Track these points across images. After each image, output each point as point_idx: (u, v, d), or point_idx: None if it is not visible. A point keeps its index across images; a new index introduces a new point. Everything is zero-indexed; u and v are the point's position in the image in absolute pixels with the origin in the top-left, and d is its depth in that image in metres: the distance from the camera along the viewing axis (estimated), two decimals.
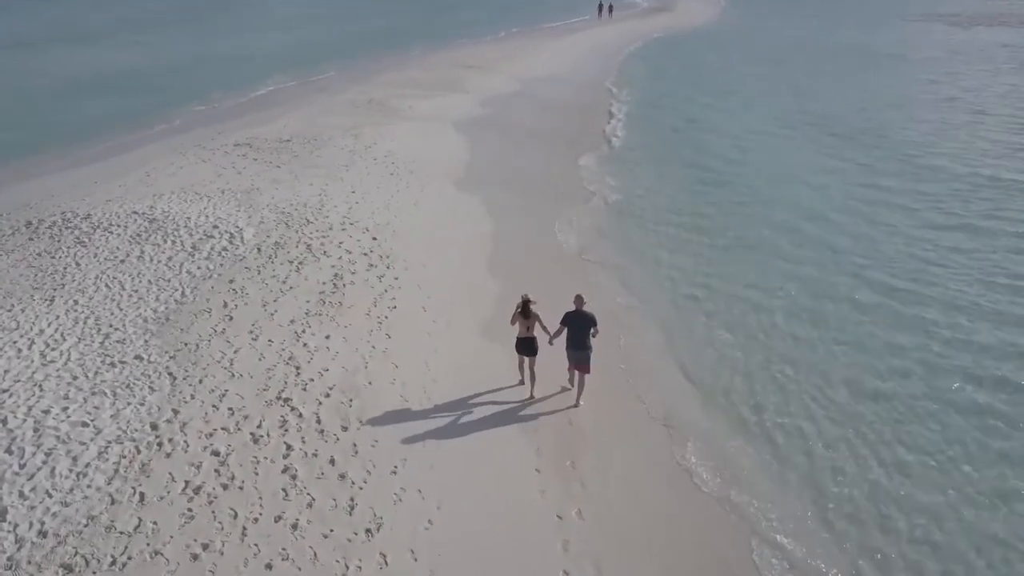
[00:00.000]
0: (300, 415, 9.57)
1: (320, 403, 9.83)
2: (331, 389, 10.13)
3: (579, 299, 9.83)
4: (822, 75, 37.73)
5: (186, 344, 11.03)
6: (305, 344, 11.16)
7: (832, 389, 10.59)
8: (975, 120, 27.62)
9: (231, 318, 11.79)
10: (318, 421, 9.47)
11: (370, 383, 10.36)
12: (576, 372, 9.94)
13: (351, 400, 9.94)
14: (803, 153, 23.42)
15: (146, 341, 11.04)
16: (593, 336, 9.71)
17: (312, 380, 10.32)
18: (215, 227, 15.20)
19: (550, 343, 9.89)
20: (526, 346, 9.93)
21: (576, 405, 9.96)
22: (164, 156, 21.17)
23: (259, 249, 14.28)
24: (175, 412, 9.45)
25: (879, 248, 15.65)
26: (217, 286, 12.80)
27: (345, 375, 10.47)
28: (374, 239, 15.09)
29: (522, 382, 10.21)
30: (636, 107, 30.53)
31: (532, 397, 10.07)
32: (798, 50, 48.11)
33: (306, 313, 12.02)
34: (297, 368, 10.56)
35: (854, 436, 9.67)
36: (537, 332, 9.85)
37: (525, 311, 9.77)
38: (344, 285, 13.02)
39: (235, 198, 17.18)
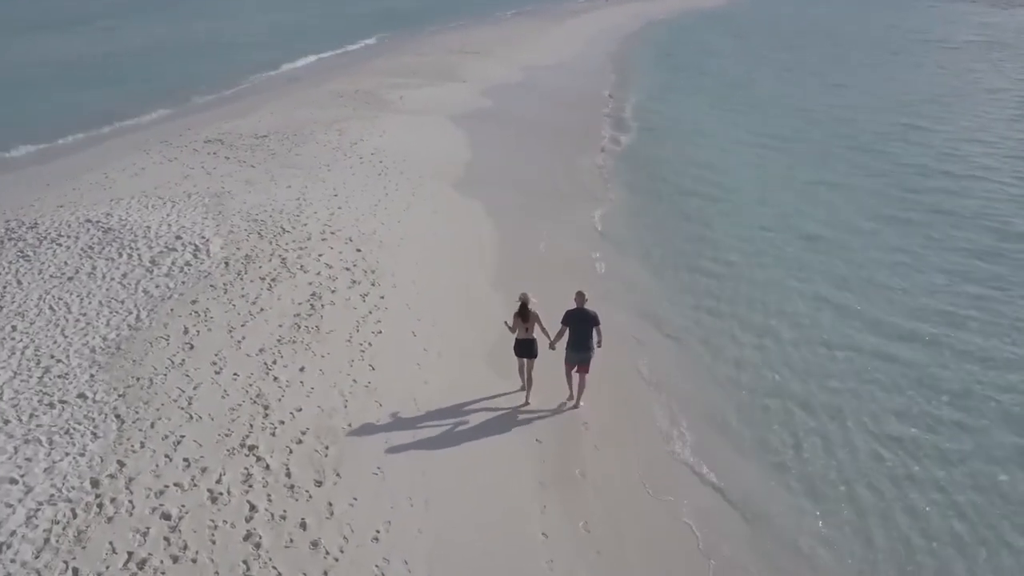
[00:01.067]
0: (267, 466, 8.75)
1: (291, 451, 9.01)
2: (304, 434, 9.32)
3: (580, 296, 9.80)
4: (848, 64, 36.94)
5: (138, 379, 10.22)
6: (276, 378, 10.37)
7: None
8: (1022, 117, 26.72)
9: (192, 346, 11.00)
10: (288, 474, 8.65)
11: (349, 425, 9.55)
12: (576, 374, 9.97)
13: (327, 447, 9.12)
14: (826, 163, 22.15)
15: (92, 375, 10.22)
16: (597, 337, 9.72)
17: (283, 423, 9.50)
18: (178, 238, 14.42)
19: (551, 347, 9.88)
20: (525, 348, 9.88)
21: (576, 406, 10.04)
22: (126, 154, 20.43)
23: (227, 264, 13.51)
24: (120, 465, 8.62)
25: (908, 278, 14.56)
26: (177, 308, 12.02)
27: (321, 416, 9.66)
28: (358, 251, 14.36)
29: (523, 387, 10.17)
30: (647, 102, 29.90)
31: (527, 403, 10.05)
32: (821, 34, 47.37)
33: (278, 340, 11.23)
34: (266, 408, 9.75)
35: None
36: (537, 334, 9.82)
37: (523, 312, 9.74)
38: (322, 306, 12.24)
39: (203, 203, 16.42)
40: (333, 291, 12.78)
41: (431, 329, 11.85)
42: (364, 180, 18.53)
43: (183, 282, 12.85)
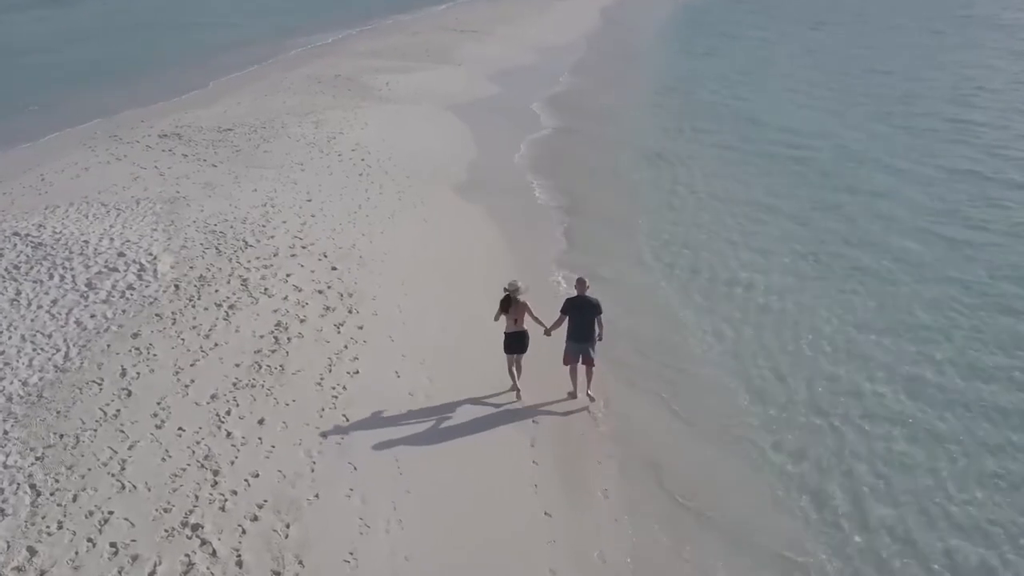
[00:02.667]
0: (214, 552, 7.79)
1: (243, 532, 8.05)
2: (261, 508, 8.36)
3: (581, 283, 10.01)
4: (886, 47, 35.80)
5: (62, 436, 9.28)
6: (229, 433, 9.44)
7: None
8: None
9: (129, 393, 10.09)
10: (239, 563, 7.69)
11: (316, 496, 8.59)
12: (579, 367, 10.11)
13: (288, 526, 8.16)
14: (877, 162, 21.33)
15: (4, 432, 9.27)
16: (598, 329, 9.92)
17: (235, 493, 8.55)
18: (121, 255, 13.52)
19: (547, 334, 10.07)
20: (516, 342, 10.02)
21: (590, 398, 10.18)
22: (68, 152, 19.68)
23: (177, 287, 12.63)
24: (31, 553, 7.66)
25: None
26: (115, 343, 11.11)
27: (282, 485, 8.70)
28: (333, 269, 13.56)
29: (513, 387, 10.21)
30: (666, 89, 29.08)
31: (519, 399, 10.13)
32: (854, 11, 46.32)
33: (234, 384, 10.33)
34: (215, 473, 8.80)
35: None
36: (528, 325, 9.96)
37: (507, 304, 9.85)
38: (289, 340, 11.36)
39: (153, 211, 15.64)
40: (302, 320, 11.91)
41: (418, 368, 10.94)
42: (342, 182, 17.85)
43: (124, 310, 11.95)
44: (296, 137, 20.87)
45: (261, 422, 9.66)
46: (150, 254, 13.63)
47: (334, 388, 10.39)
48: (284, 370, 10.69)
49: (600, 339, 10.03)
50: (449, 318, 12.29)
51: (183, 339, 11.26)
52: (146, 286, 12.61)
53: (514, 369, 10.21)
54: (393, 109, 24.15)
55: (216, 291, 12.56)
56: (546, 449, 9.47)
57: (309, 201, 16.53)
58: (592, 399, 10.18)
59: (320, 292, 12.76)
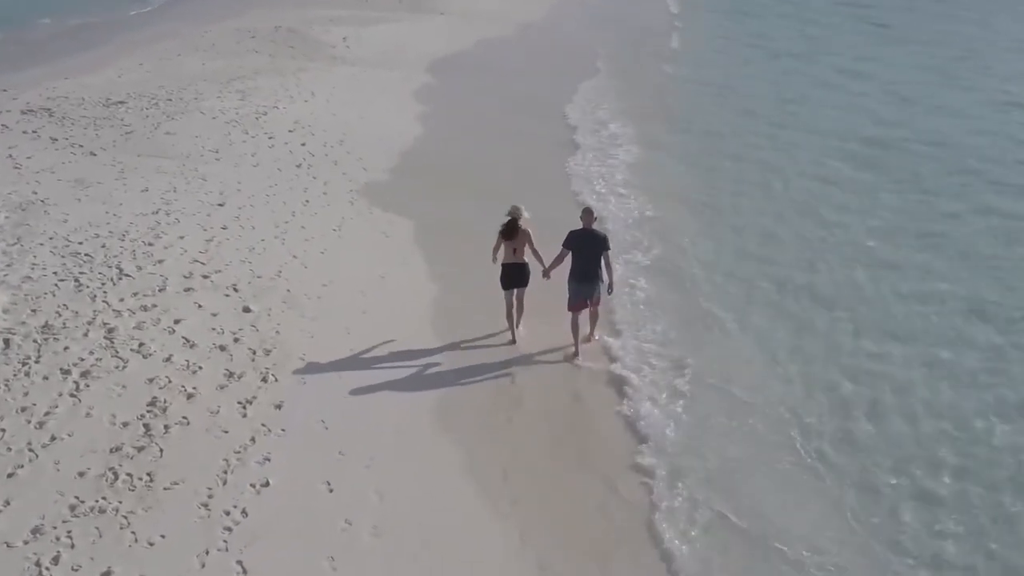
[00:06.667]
0: None
1: None
2: None
3: (588, 214, 11.18)
4: (944, 61, 32.93)
5: None
6: None
7: None
8: None
9: None
10: None
11: None
12: (583, 312, 11.37)
13: None
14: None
15: None
16: (608, 272, 11.16)
17: None
18: None
19: (546, 275, 11.37)
20: (516, 275, 11.31)
21: (590, 339, 11.61)
22: None
23: (7, 343, 11.04)
24: None
25: None
26: None
27: None
28: (246, 311, 12.18)
29: (513, 341, 11.61)
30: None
31: (514, 342, 11.59)
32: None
33: (71, 509, 8.52)
34: None
35: None
36: (528, 258, 11.25)
37: (510, 229, 11.11)
38: (166, 429, 9.68)
39: None
40: (190, 395, 10.30)
41: (363, 476, 9.26)
42: (272, 177, 16.90)
43: None
44: (212, 113, 20.11)
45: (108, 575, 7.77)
46: None
47: (229, 513, 8.61)
48: (153, 482, 8.94)
49: (611, 290, 11.36)
50: (417, 391, 10.85)
51: (2, 430, 9.51)
52: None
53: (513, 311, 11.51)
54: (350, 73, 23.91)
55: (65, 349, 10.94)
56: None
57: (221, 206, 15.38)
58: (591, 340, 11.58)
59: (222, 349, 11.23)
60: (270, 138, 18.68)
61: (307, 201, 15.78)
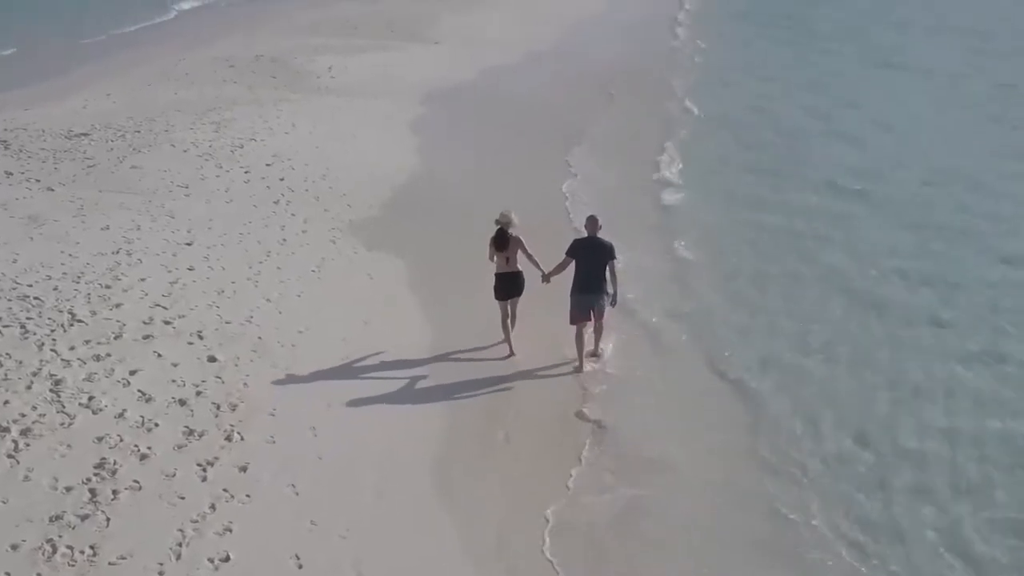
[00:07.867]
0: None
1: None
2: None
3: (593, 221, 11.36)
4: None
5: None
6: None
7: None
8: None
9: None
10: None
11: None
12: (588, 323, 11.52)
13: None
14: None
15: None
16: (612, 282, 11.26)
17: None
18: None
19: (545, 280, 11.59)
20: (509, 285, 11.48)
21: (596, 353, 11.74)
22: None
23: None
24: None
25: None
26: None
27: None
28: (212, 360, 11.91)
29: (511, 352, 11.88)
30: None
31: (512, 354, 11.80)
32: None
33: None
34: None
35: None
36: (523, 265, 11.49)
37: (500, 240, 11.31)
38: (115, 495, 9.24)
39: None
40: (143, 456, 9.89)
41: (338, 549, 8.81)
42: (246, 214, 16.71)
43: None
44: (184, 145, 19.98)
45: None
46: None
47: None
48: (97, 556, 8.48)
49: (614, 302, 11.44)
50: (401, 451, 10.42)
51: None
52: None
53: (508, 322, 11.70)
54: (335, 105, 23.79)
55: (5, 403, 10.53)
56: None
57: (189, 245, 15.15)
58: (597, 353, 11.67)
59: (182, 403, 10.85)
60: (246, 172, 18.52)
61: (284, 240, 15.54)
